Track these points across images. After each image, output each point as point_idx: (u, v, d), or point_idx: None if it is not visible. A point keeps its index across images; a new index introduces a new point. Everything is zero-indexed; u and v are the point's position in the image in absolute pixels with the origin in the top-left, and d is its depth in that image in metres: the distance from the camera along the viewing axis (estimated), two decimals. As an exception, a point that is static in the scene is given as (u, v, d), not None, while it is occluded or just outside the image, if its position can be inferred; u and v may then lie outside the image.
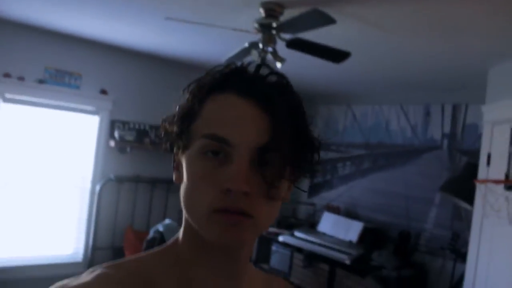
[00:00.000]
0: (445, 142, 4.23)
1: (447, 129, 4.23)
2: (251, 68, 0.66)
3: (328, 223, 4.77)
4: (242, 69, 0.66)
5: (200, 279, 0.66)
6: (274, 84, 0.64)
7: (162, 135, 0.71)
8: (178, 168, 0.69)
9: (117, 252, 4.23)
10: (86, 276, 0.61)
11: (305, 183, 5.53)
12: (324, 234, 4.68)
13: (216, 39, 3.36)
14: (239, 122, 0.60)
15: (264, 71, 0.66)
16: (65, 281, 0.59)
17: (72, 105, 4.03)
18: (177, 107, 0.68)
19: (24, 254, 3.89)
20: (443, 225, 4.10)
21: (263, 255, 4.96)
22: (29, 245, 3.92)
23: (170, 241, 0.71)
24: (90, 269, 0.63)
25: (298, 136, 0.63)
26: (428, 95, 4.41)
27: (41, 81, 3.78)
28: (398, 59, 3.40)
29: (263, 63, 0.67)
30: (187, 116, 0.65)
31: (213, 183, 0.59)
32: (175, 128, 0.67)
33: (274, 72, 0.66)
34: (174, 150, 0.69)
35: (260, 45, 2.65)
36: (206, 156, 0.61)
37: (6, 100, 3.68)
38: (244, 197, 0.58)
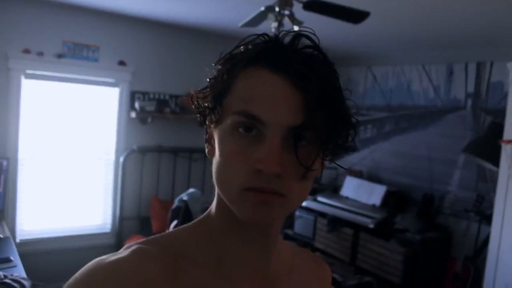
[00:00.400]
0: (469, 102, 4.13)
1: (471, 88, 4.11)
2: (287, 38, 0.63)
3: (351, 187, 4.77)
4: (276, 41, 0.63)
5: (232, 251, 0.68)
6: (309, 59, 0.61)
7: (194, 107, 0.69)
8: (210, 141, 0.68)
9: (144, 221, 4.33)
10: (123, 252, 0.62)
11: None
12: (347, 198, 4.68)
13: (232, 4, 3.30)
14: (272, 101, 0.58)
15: (297, 43, 0.63)
16: (103, 257, 0.61)
17: (92, 78, 4.06)
18: (208, 80, 0.67)
19: (55, 225, 4.02)
20: (468, 187, 4.04)
21: (287, 221, 5.01)
22: (59, 217, 4.04)
23: (202, 215, 0.72)
24: (126, 245, 0.64)
25: (334, 114, 0.60)
26: (451, 53, 4.27)
27: (60, 56, 3.80)
28: (419, 16, 3.29)
29: (299, 33, 0.63)
30: (219, 91, 0.63)
31: (245, 162, 0.59)
32: (207, 102, 0.65)
33: (310, 45, 0.63)
34: (207, 123, 0.68)
35: (277, 8, 2.59)
36: (238, 132, 0.60)
37: (27, 76, 3.73)
38: (276, 177, 0.58)
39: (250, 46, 0.63)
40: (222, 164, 0.62)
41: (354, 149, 0.67)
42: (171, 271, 0.61)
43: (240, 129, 0.60)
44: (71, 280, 0.57)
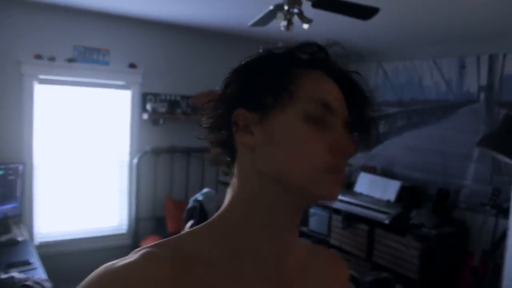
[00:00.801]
0: (482, 95, 4.08)
1: (483, 81, 4.07)
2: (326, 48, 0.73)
3: (365, 183, 4.75)
4: (326, 52, 0.72)
5: (250, 248, 0.67)
6: (348, 72, 0.73)
7: (223, 92, 0.70)
8: (249, 131, 0.67)
9: (159, 221, 4.36)
10: (132, 256, 0.62)
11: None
12: (361, 194, 4.67)
13: (240, 3, 3.31)
14: (338, 97, 0.69)
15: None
16: (112, 262, 0.61)
17: (103, 81, 4.10)
18: (250, 67, 0.69)
19: (72, 228, 4.07)
20: (483, 180, 4.01)
21: (302, 218, 5.00)
22: (76, 219, 4.09)
23: (215, 216, 0.71)
24: (136, 249, 0.65)
25: (368, 117, 0.74)
26: (463, 47, 4.23)
27: (71, 60, 3.84)
28: (429, 10, 3.26)
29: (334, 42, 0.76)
30: (280, 83, 0.66)
31: (320, 144, 0.64)
32: (252, 88, 0.67)
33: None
34: (238, 111, 0.67)
35: (286, 7, 2.59)
36: (307, 122, 0.65)
37: (40, 81, 3.77)
38: (347, 157, 0.67)
39: (307, 52, 0.71)
40: (297, 148, 0.64)
41: (379, 143, 0.79)
42: (180, 274, 0.61)
43: (310, 120, 0.65)
44: (80, 286, 0.58)
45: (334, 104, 0.66)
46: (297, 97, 0.65)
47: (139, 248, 0.64)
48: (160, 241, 0.67)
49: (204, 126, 0.74)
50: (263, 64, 0.68)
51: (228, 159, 0.73)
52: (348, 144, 0.65)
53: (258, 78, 0.67)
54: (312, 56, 0.71)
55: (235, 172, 0.71)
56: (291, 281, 0.71)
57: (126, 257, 0.62)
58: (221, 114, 0.70)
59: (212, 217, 0.71)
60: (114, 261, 0.61)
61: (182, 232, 0.70)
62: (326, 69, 0.70)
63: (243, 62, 0.70)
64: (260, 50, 0.70)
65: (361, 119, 0.72)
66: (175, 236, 0.69)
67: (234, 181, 0.70)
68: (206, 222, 0.71)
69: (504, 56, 3.89)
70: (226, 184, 4.57)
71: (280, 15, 2.59)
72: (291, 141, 0.64)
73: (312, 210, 4.81)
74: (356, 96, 0.72)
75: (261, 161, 0.65)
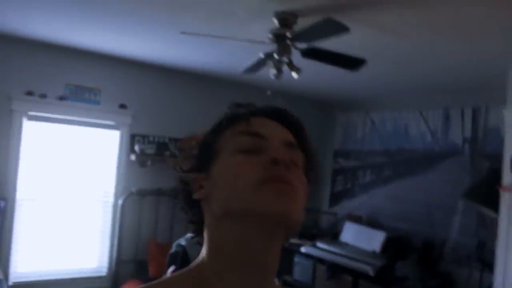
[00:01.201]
0: (467, 146, 4.15)
1: (467, 133, 4.15)
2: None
3: (351, 233, 4.72)
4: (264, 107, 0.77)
5: None
6: (290, 114, 0.76)
7: (184, 159, 0.78)
8: (200, 186, 0.72)
9: (141, 265, 4.26)
10: None
11: (326, 193, 5.51)
12: (346, 244, 4.62)
13: (232, 50, 3.39)
14: (268, 125, 0.71)
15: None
16: None
17: (93, 120, 4.10)
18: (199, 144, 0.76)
19: (50, 268, 3.95)
20: (468, 233, 4.00)
21: (286, 267, 4.92)
22: (54, 259, 3.98)
23: (193, 263, 0.71)
24: None
25: (308, 149, 0.74)
26: (447, 98, 4.34)
27: (62, 98, 3.86)
28: (415, 63, 3.37)
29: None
30: (213, 135, 0.73)
31: (256, 162, 0.65)
32: (200, 153, 0.74)
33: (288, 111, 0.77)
34: (193, 177, 0.73)
35: (276, 56, 2.66)
36: (240, 152, 0.67)
37: (29, 117, 3.77)
38: (288, 172, 0.64)
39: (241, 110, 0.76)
40: (231, 176, 0.66)
41: (317, 183, 0.78)
42: None
43: (242, 152, 0.67)
44: None
45: (262, 130, 0.69)
46: (225, 144, 0.70)
47: None
48: (142, 286, 0.66)
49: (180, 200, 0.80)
50: (204, 137, 0.75)
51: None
52: (283, 154, 0.66)
53: (199, 149, 0.74)
54: (238, 114, 0.74)
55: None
56: None
57: None
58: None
59: (190, 264, 0.71)
60: None
61: (161, 278, 0.70)
62: (264, 113, 0.74)
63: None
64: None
65: (301, 142, 0.73)
66: (154, 282, 0.69)
67: (205, 234, 0.72)
68: (185, 268, 0.71)
69: (487, 109, 3.99)
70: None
71: (270, 63, 2.66)
72: (225, 174, 0.67)
73: (296, 259, 4.74)
74: (292, 125, 0.74)
75: (214, 206, 0.68)
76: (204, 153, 0.72)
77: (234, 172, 0.65)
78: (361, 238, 4.56)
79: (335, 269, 4.35)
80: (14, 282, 3.69)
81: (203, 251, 0.70)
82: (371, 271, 3.95)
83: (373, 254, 4.28)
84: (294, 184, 0.64)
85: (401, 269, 3.95)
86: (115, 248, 4.21)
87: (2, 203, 3.45)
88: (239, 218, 0.65)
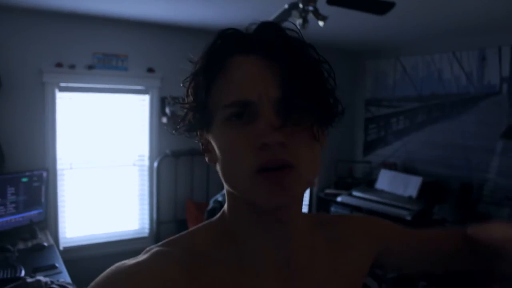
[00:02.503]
0: (505, 86, 4.00)
1: (506, 72, 3.99)
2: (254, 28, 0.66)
3: (386, 180, 4.70)
4: (238, 31, 0.66)
5: (251, 246, 0.67)
6: (278, 39, 0.62)
7: (181, 122, 0.71)
8: (208, 149, 0.69)
9: (181, 224, 4.38)
10: (142, 255, 0.64)
11: (359, 142, 5.47)
12: (382, 191, 4.62)
13: (256, 3, 3.31)
14: (253, 80, 0.61)
15: (268, 28, 0.64)
16: (123, 261, 0.62)
17: (122, 86, 4.15)
18: (186, 90, 0.69)
19: (96, 232, 4.13)
20: (507, 173, 3.93)
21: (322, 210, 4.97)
22: (99, 224, 4.15)
23: (217, 215, 0.72)
24: (147, 249, 0.66)
25: (311, 82, 0.61)
26: (483, 38, 4.15)
27: (90, 67, 3.90)
28: (446, 1, 3.21)
29: (266, 22, 0.66)
30: (200, 95, 0.65)
31: (247, 144, 0.60)
32: (193, 111, 0.67)
33: (276, 26, 0.64)
34: (198, 134, 0.70)
35: (300, 5, 2.58)
36: (231, 123, 0.62)
37: (61, 89, 3.84)
38: (282, 148, 0.59)
39: (219, 41, 0.67)
40: (226, 157, 0.63)
41: (342, 113, 0.67)
42: (190, 270, 0.62)
43: (232, 118, 0.61)
44: (92, 284, 0.59)
45: (248, 95, 0.60)
46: (213, 104, 0.64)
47: (149, 247, 0.66)
48: (169, 239, 0.68)
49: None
50: (190, 83, 0.69)
51: None
52: (269, 132, 0.57)
53: (191, 101, 0.67)
54: (224, 43, 0.66)
55: None
56: (301, 274, 0.69)
57: (137, 256, 0.63)
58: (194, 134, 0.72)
59: (216, 216, 0.72)
60: (126, 260, 0.62)
61: (188, 231, 0.71)
62: (242, 48, 0.63)
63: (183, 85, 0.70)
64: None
65: (295, 91, 0.60)
66: (182, 233, 0.70)
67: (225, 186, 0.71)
68: (210, 220, 0.72)
69: (526, 46, 3.81)
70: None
71: (295, 13, 2.59)
72: (222, 151, 0.64)
73: (332, 209, 4.78)
74: (283, 64, 0.60)
75: (220, 177, 0.67)
76: (199, 110, 0.66)
77: (230, 153, 0.62)
78: (397, 184, 4.55)
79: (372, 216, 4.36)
80: (64, 247, 3.88)
81: (225, 206, 0.71)
82: (408, 216, 3.96)
83: (409, 199, 4.28)
84: (290, 163, 0.59)
85: (439, 213, 3.93)
86: (155, 209, 4.34)
87: (45, 174, 3.58)
88: (242, 199, 0.65)
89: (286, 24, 0.66)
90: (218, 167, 0.67)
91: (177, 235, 0.69)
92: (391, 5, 2.62)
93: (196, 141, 0.73)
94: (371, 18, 2.91)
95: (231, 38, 0.65)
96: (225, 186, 0.67)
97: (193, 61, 0.70)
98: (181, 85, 0.69)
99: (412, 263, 0.91)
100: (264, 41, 0.62)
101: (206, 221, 0.72)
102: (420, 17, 3.66)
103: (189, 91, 0.68)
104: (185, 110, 0.68)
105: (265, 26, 0.64)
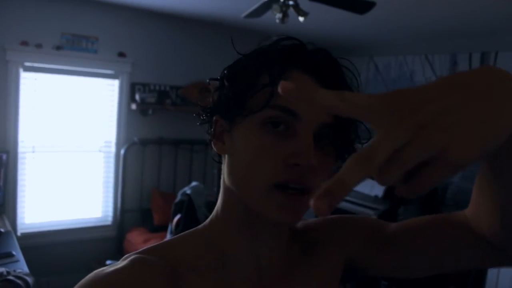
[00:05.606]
0: (474, 92, 4.08)
1: (475, 78, 4.06)
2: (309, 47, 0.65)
3: (353, 179, 4.74)
4: (303, 45, 0.64)
5: (237, 258, 0.67)
6: (334, 65, 0.64)
7: (201, 101, 0.70)
8: (220, 138, 0.67)
9: (145, 213, 4.31)
10: (121, 262, 0.62)
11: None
12: (349, 189, 4.65)
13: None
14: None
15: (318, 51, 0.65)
16: (102, 268, 0.61)
17: (91, 69, 4.00)
18: (227, 75, 0.66)
19: (56, 218, 3.99)
20: (470, 178, 4.02)
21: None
22: (60, 210, 4.02)
23: (206, 221, 0.71)
24: (125, 256, 0.64)
25: (355, 121, 0.63)
26: (455, 43, 4.23)
27: (58, 48, 3.75)
28: (422, 5, 3.24)
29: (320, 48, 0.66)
30: (244, 87, 0.63)
31: (274, 156, 0.59)
32: (226, 97, 0.65)
33: (331, 56, 0.65)
34: (216, 118, 0.67)
35: (281, -1, 2.55)
36: (266, 127, 0.60)
37: (26, 68, 3.67)
38: (309, 172, 0.58)
39: (279, 47, 0.64)
40: (248, 160, 0.61)
41: (354, 150, 0.66)
42: (170, 279, 0.61)
43: (268, 124, 0.59)
44: None
45: (297, 108, 0.58)
46: (255, 101, 0.61)
47: (127, 255, 0.64)
48: (149, 246, 0.67)
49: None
50: (237, 72, 0.65)
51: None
52: (307, 154, 0.56)
53: (229, 88, 0.65)
54: (287, 52, 0.63)
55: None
56: (280, 279, 0.70)
57: (116, 263, 0.62)
58: (207, 118, 0.70)
59: (202, 224, 0.72)
60: (103, 268, 0.61)
61: (169, 239, 0.71)
62: (303, 65, 0.62)
63: (225, 70, 0.67)
64: (245, 53, 0.65)
65: (344, 121, 0.60)
66: (164, 241, 0.70)
67: (221, 183, 0.70)
68: (194, 229, 0.71)
69: (496, 54, 3.89)
70: (214, 177, 4.53)
71: (275, 7, 2.55)
72: (245, 151, 0.62)
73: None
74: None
75: (226, 172, 0.66)
76: (233, 97, 0.64)
77: (255, 159, 0.60)
78: (363, 184, 4.58)
79: (338, 214, 4.40)
80: (22, 233, 3.74)
81: (219, 205, 0.70)
82: (374, 215, 4.00)
83: (375, 198, 4.33)
84: (311, 190, 0.58)
85: (404, 213, 4.00)
86: (119, 197, 4.24)
87: (4, 156, 3.43)
88: (245, 204, 0.64)
89: (342, 61, 0.68)
90: (226, 160, 0.66)
91: (156, 243, 0.68)
92: (372, 5, 2.62)
93: (198, 123, 0.70)
94: (349, 17, 2.90)
95: (297, 53, 0.63)
96: (227, 181, 0.66)
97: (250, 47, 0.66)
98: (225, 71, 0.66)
99: (412, 262, 0.79)
100: (323, 67, 0.63)
101: (188, 231, 0.71)
102: (396, 18, 3.68)
103: (234, 76, 0.65)
104: (222, 92, 0.66)
105: (323, 53, 0.65)
